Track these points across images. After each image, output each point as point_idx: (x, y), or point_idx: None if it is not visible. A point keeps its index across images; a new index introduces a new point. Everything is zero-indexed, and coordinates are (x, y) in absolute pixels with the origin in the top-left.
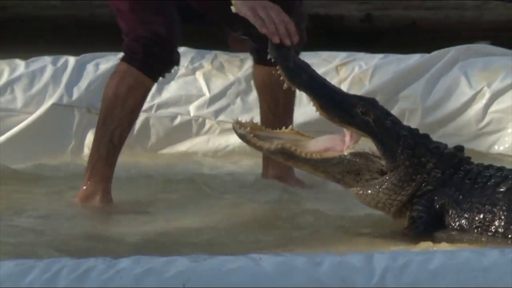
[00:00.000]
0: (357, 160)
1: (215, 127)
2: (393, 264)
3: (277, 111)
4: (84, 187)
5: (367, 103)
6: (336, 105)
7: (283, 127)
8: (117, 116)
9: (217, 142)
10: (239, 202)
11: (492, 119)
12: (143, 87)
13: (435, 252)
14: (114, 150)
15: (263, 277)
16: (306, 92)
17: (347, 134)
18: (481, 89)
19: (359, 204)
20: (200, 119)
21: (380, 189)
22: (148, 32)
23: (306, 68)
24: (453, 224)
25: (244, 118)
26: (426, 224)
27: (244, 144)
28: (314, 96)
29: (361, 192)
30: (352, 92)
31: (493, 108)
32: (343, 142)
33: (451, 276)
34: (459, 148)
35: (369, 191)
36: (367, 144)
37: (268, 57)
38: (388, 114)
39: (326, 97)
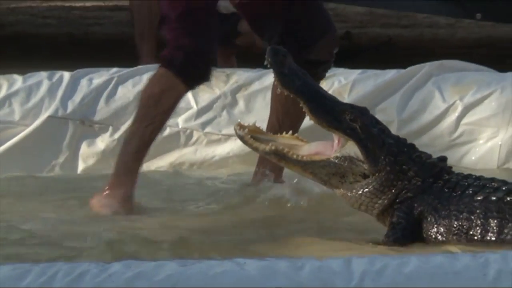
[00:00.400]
0: (342, 163)
1: (202, 138)
2: (371, 268)
3: (283, 125)
4: (111, 179)
5: (356, 110)
6: (325, 110)
7: (284, 132)
8: (150, 114)
9: (204, 153)
10: (225, 208)
11: (464, 131)
12: (176, 91)
13: (410, 257)
14: (144, 147)
15: (247, 280)
16: (297, 96)
17: (335, 139)
18: (454, 102)
19: (342, 211)
20: (188, 131)
21: (363, 192)
22: (192, 42)
23: (301, 75)
24: (431, 230)
25: (229, 130)
26: (404, 230)
27: (229, 154)
28: (305, 101)
29: (345, 193)
30: None
31: (465, 120)
32: (333, 148)
33: (425, 279)
34: (442, 159)
35: (353, 193)
36: (352, 149)
37: (265, 63)
38: (378, 122)
39: (316, 103)
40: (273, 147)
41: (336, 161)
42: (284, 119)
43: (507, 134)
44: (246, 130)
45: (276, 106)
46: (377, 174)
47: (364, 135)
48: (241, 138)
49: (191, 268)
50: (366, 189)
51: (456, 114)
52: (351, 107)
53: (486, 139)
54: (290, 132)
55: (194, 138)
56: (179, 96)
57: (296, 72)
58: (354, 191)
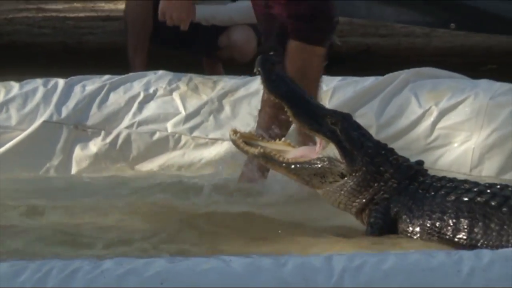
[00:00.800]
0: (323, 163)
1: (190, 142)
2: (350, 265)
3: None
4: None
5: (338, 115)
6: (308, 115)
7: (277, 139)
8: None
9: (192, 156)
10: (212, 208)
11: (439, 135)
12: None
13: (388, 254)
14: None
15: (233, 276)
16: (281, 101)
17: (317, 142)
18: (429, 108)
19: (324, 212)
20: (177, 135)
21: (341, 191)
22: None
23: (288, 82)
24: (407, 230)
25: (216, 134)
26: (381, 229)
27: (215, 157)
28: (289, 106)
29: (326, 193)
30: None
31: (440, 125)
32: (314, 150)
33: (402, 276)
34: (419, 162)
35: (332, 193)
36: (332, 150)
37: (254, 70)
38: (359, 127)
39: (299, 107)
40: (261, 150)
41: (317, 162)
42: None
43: (479, 138)
44: (238, 135)
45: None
46: (354, 174)
47: (343, 137)
48: (234, 142)
49: (179, 265)
50: (344, 189)
51: (432, 119)
52: (333, 112)
53: (460, 143)
54: (283, 139)
55: (182, 142)
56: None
57: (283, 79)
58: (334, 190)
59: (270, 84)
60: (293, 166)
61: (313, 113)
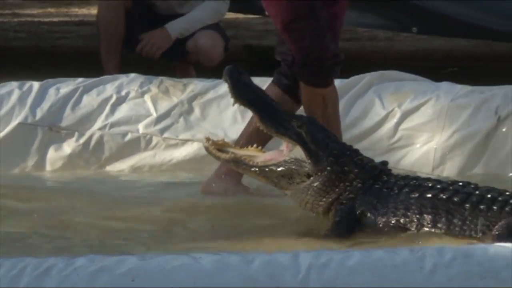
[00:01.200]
0: (290, 165)
1: (161, 143)
2: (316, 262)
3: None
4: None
5: (303, 118)
6: (274, 119)
7: (249, 146)
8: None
9: (163, 156)
10: (182, 206)
11: (402, 136)
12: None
13: (353, 251)
14: None
15: (202, 273)
16: (248, 107)
17: (284, 145)
18: (393, 109)
19: (291, 212)
20: (148, 136)
21: (308, 192)
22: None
23: (254, 89)
24: (372, 227)
25: (186, 135)
26: (346, 228)
27: (185, 158)
28: (255, 111)
29: (293, 194)
30: None
31: (403, 126)
32: (281, 152)
33: (367, 272)
34: (383, 163)
35: (299, 193)
36: (299, 152)
37: (223, 79)
38: (325, 130)
39: (265, 112)
40: (231, 155)
41: (284, 163)
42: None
43: (441, 138)
44: (211, 142)
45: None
46: (319, 173)
47: (309, 138)
48: (206, 149)
49: (150, 262)
50: (311, 189)
51: (395, 120)
52: (299, 116)
53: (422, 144)
54: (255, 145)
55: (153, 143)
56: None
57: (249, 86)
58: (301, 191)
59: (237, 91)
60: (261, 169)
61: (279, 117)
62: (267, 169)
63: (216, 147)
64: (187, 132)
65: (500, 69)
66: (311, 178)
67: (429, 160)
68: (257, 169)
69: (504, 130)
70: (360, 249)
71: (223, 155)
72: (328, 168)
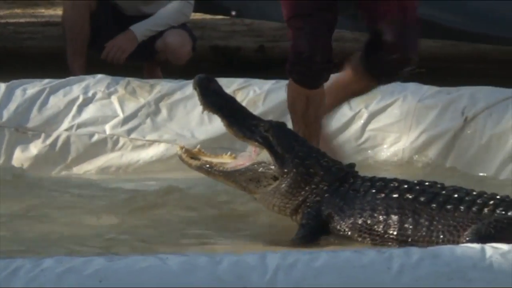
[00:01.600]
0: (257, 169)
1: (127, 144)
2: (283, 263)
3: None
4: None
5: (270, 123)
6: (240, 123)
7: (224, 154)
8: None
9: (130, 157)
10: (149, 205)
11: (369, 137)
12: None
13: (320, 252)
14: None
15: (169, 274)
16: (216, 113)
17: (252, 149)
18: (360, 110)
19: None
20: (115, 137)
21: (275, 194)
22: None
23: (222, 95)
24: (339, 229)
25: (153, 136)
26: (313, 230)
27: (152, 159)
28: (223, 117)
29: (261, 197)
30: None
31: (370, 127)
32: (250, 156)
33: (334, 273)
34: (351, 165)
35: (267, 196)
36: (265, 155)
37: (192, 87)
38: (293, 134)
39: (232, 118)
40: (203, 162)
41: (252, 167)
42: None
43: (408, 139)
44: (184, 150)
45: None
46: (285, 176)
47: (275, 142)
48: (180, 157)
49: (117, 263)
50: (278, 191)
51: (362, 121)
52: (268, 121)
53: (390, 144)
54: (229, 153)
55: (120, 144)
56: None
57: (218, 93)
58: (268, 193)
59: (205, 98)
60: (231, 174)
61: (247, 122)
62: (235, 174)
63: (189, 155)
64: (154, 133)
65: (467, 69)
66: (278, 180)
67: (396, 160)
68: (225, 174)
69: (470, 131)
70: (327, 250)
71: (195, 163)
72: (294, 170)
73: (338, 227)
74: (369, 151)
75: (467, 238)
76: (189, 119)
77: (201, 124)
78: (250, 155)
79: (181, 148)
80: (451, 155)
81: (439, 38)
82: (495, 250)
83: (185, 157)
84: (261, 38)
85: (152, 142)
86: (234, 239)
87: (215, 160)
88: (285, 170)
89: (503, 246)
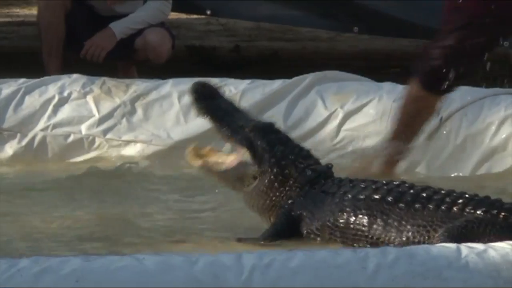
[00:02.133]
0: (241, 169)
1: (103, 144)
2: (259, 263)
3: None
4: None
5: (258, 123)
6: (225, 124)
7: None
8: None
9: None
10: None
11: (344, 136)
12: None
13: (296, 252)
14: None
15: (146, 274)
16: (205, 116)
17: (238, 150)
18: (335, 110)
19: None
20: (91, 137)
21: (253, 193)
22: None
23: (214, 97)
24: (309, 231)
25: (129, 136)
26: (280, 230)
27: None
28: (212, 120)
29: (244, 196)
30: None
31: (346, 126)
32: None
33: (310, 273)
34: (328, 166)
35: (247, 196)
36: (248, 156)
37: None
38: (278, 132)
39: (220, 121)
40: (202, 163)
41: (236, 167)
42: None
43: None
44: (191, 148)
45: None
46: (262, 175)
47: (256, 142)
48: (186, 155)
49: (94, 263)
50: (256, 191)
51: (337, 121)
52: (254, 121)
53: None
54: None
55: (96, 144)
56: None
57: (209, 96)
58: (248, 193)
59: (197, 104)
60: (222, 174)
61: (234, 124)
62: (226, 174)
63: (196, 154)
64: (130, 133)
65: None
66: (256, 180)
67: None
68: (219, 174)
69: (445, 131)
70: (304, 250)
71: (196, 163)
72: (269, 170)
73: (308, 229)
74: (344, 151)
75: (439, 240)
76: (164, 119)
77: (177, 124)
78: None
79: (194, 153)
80: (427, 155)
81: (414, 37)
82: (470, 249)
83: (189, 157)
84: (236, 38)
85: (128, 142)
86: (208, 238)
87: (211, 160)
88: (262, 170)
89: (479, 246)
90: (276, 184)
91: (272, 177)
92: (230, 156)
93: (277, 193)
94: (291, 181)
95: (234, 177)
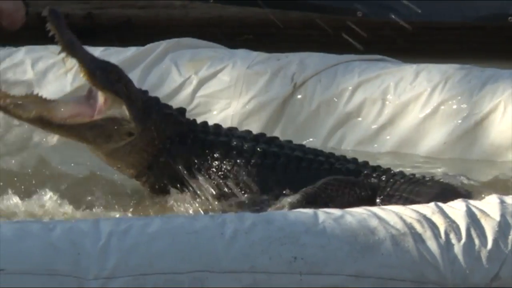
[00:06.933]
0: (109, 124)
1: None
2: (117, 229)
3: None
4: None
5: (118, 70)
6: (98, 70)
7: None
8: None
9: None
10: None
11: (199, 103)
12: None
13: (154, 218)
14: None
15: (2, 241)
16: (73, 55)
17: (100, 99)
18: (189, 76)
19: None
20: None
21: (126, 151)
22: None
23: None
24: (192, 185)
25: None
26: (159, 190)
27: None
28: (83, 61)
29: (108, 152)
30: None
31: (200, 93)
32: (90, 107)
33: (167, 238)
34: (181, 110)
35: (116, 152)
36: (117, 110)
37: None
38: (130, 81)
39: (89, 63)
40: (37, 114)
41: (102, 123)
42: None
43: (238, 105)
44: (9, 100)
45: None
46: (143, 132)
47: (130, 93)
48: (4, 109)
49: None
50: (132, 148)
51: (192, 87)
52: (106, 63)
53: (220, 110)
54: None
55: None
56: None
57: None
58: (119, 150)
59: (64, 35)
60: (75, 128)
61: (101, 69)
62: (81, 128)
63: (16, 104)
64: None
65: (295, 36)
66: (132, 136)
67: (226, 126)
68: (69, 128)
69: (299, 96)
70: (160, 216)
71: (26, 114)
72: (152, 128)
73: (192, 183)
74: (199, 117)
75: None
76: (18, 87)
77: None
78: (84, 103)
79: (6, 96)
80: (281, 121)
81: (267, 7)
82: (327, 215)
83: (11, 108)
84: (88, 5)
85: None
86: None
87: (35, 102)
88: (144, 127)
89: (336, 211)
90: (156, 141)
91: (155, 134)
92: (67, 106)
93: (155, 149)
94: (166, 136)
95: (95, 133)
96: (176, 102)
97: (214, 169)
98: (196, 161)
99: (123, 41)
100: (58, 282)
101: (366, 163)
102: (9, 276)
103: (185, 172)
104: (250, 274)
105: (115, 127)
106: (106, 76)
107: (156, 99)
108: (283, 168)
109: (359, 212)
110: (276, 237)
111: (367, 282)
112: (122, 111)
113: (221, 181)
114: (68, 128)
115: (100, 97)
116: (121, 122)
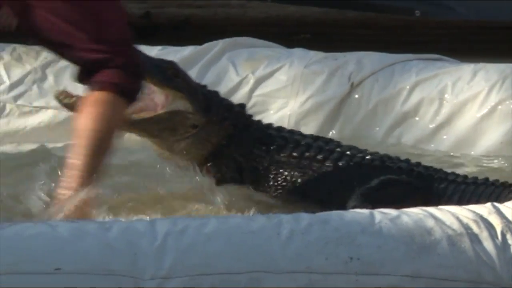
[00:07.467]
0: (174, 117)
1: (14, 110)
2: (173, 229)
3: None
4: None
5: (175, 65)
6: (155, 69)
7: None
8: None
9: (17, 124)
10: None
11: (256, 102)
12: None
13: (210, 218)
14: None
15: (59, 241)
16: None
17: (161, 95)
18: (246, 76)
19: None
20: (1, 104)
21: (193, 142)
22: None
23: None
24: (249, 180)
25: (40, 102)
26: (230, 180)
27: (40, 125)
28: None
29: (175, 146)
30: None
31: (257, 92)
32: (153, 101)
33: (223, 239)
34: (242, 105)
35: (182, 145)
36: (180, 103)
37: None
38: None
39: (146, 62)
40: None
41: (167, 116)
42: None
43: (295, 105)
44: (74, 98)
45: None
46: (208, 124)
47: (188, 88)
48: (69, 106)
49: (7, 231)
50: (197, 139)
51: (249, 86)
52: (167, 62)
53: (277, 110)
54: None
55: (7, 110)
56: None
57: None
58: (184, 142)
59: None
60: (140, 123)
61: (157, 66)
62: (147, 123)
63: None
64: (41, 100)
65: (353, 35)
66: (197, 128)
67: (283, 126)
68: (134, 122)
69: (357, 96)
70: (216, 216)
71: (68, 100)
72: (214, 118)
73: (249, 177)
74: (256, 117)
75: (352, 203)
76: (76, 86)
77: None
78: (146, 98)
79: (64, 94)
80: (338, 121)
81: (324, 6)
82: (384, 215)
83: (61, 97)
84: (146, 4)
85: (39, 109)
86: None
87: None
88: (208, 119)
89: (392, 212)
90: (220, 131)
91: (218, 125)
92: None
93: (219, 139)
94: (229, 128)
95: (161, 127)
96: (233, 101)
97: (275, 163)
98: (256, 152)
99: (181, 40)
100: (115, 282)
101: (418, 163)
102: (65, 276)
103: (246, 162)
104: (306, 275)
105: (180, 120)
106: (163, 74)
107: (216, 93)
108: (346, 165)
109: (415, 212)
110: (332, 237)
111: (422, 282)
112: (185, 104)
113: (284, 175)
114: (133, 123)
115: (161, 92)
116: (185, 114)
